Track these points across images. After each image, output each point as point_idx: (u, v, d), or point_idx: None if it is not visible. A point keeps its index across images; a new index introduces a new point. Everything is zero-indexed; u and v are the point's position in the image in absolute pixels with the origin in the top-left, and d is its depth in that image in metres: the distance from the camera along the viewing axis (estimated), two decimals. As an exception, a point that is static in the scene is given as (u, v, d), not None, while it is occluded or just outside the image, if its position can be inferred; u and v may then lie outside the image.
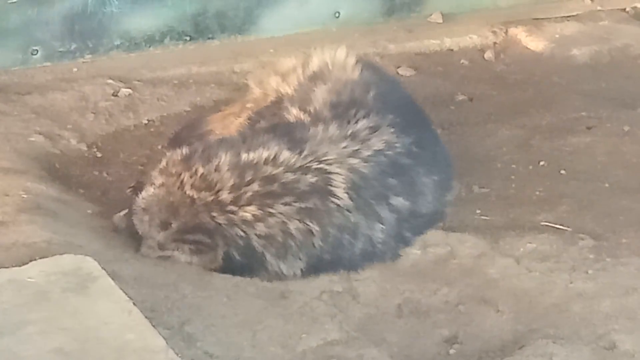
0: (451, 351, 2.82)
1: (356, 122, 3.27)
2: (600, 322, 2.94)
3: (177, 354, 2.45)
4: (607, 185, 3.81)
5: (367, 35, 4.84)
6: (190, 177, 3.03)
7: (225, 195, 2.99)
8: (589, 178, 3.87)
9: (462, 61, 4.82)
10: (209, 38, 4.71)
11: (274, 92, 3.63)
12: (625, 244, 3.26)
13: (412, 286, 3.08)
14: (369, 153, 3.17)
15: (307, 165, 3.08)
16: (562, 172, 3.84)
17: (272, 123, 3.46)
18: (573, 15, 5.18)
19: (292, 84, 3.59)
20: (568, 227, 3.42)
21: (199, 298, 2.92)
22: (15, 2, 4.35)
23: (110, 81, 4.25)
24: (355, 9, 4.95)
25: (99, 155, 3.91)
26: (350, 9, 4.92)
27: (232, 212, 2.99)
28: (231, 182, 2.99)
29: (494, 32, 4.99)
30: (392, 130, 3.27)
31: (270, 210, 2.98)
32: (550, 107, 4.46)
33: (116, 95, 4.15)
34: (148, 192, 3.09)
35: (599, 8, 5.30)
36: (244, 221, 2.99)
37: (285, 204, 2.99)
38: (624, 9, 5.43)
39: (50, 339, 2.49)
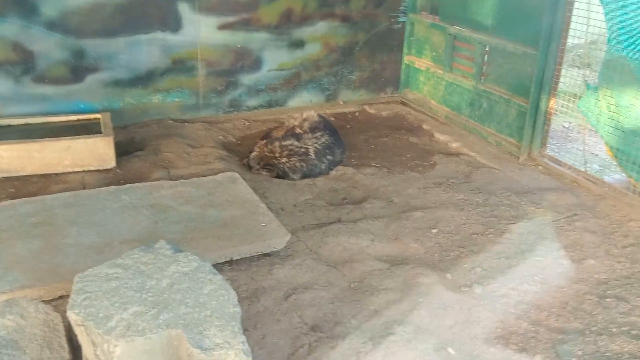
0: (345, 201, 4.83)
1: (317, 133, 5.49)
2: (387, 195, 4.83)
3: (262, 203, 4.25)
4: (391, 153, 5.80)
5: (321, 108, 6.76)
6: (266, 148, 5.27)
7: (277, 155, 5.21)
8: (388, 151, 5.96)
9: (349, 116, 6.97)
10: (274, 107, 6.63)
11: (292, 124, 5.79)
12: (397, 170, 5.48)
13: (332, 182, 5.24)
14: (321, 142, 5.44)
15: (301, 146, 5.30)
16: (378, 149, 6.00)
17: (291, 133, 5.57)
18: (382, 102, 7.34)
19: (297, 121, 5.76)
20: (380, 165, 5.59)
21: (270, 184, 5.02)
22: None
23: (243, 121, 6.47)
24: (317, 98, 7.05)
25: (239, 142, 6.07)
26: (315, 99, 7.06)
27: (278, 160, 5.22)
28: (279, 151, 5.23)
29: (359, 107, 7.14)
30: (327, 135, 5.53)
31: (291, 159, 5.24)
32: (375, 130, 6.54)
33: (243, 125, 6.36)
34: (253, 153, 5.36)
35: (389, 99, 7.40)
36: (282, 162, 5.21)
37: (295, 157, 5.22)
38: (400, 101, 7.35)
39: (223, 198, 4.38)
